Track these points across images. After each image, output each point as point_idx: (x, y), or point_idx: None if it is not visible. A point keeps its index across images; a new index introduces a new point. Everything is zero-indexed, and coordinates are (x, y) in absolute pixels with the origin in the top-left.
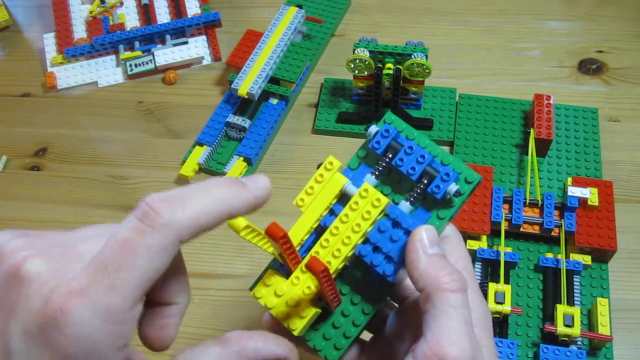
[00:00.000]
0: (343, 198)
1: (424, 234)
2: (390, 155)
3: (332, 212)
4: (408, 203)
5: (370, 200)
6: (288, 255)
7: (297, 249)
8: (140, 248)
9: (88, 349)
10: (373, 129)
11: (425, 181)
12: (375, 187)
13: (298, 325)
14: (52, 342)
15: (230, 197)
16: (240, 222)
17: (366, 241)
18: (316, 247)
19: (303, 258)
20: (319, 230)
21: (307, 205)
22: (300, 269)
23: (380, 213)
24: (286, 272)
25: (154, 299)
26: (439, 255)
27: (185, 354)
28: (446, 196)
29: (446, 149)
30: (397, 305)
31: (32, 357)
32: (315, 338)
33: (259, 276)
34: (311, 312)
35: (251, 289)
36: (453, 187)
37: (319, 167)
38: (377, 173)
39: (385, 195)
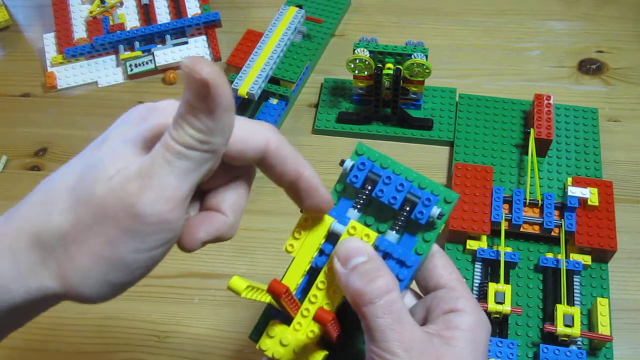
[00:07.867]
0: (331, 237)
1: (338, 252)
2: (370, 187)
3: (322, 252)
4: (394, 232)
5: (359, 237)
6: (289, 304)
7: (293, 292)
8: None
9: None
10: (348, 163)
11: (408, 208)
12: (359, 219)
13: None
14: None
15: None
16: (241, 284)
17: None
18: (313, 291)
19: (300, 301)
20: (311, 272)
21: (297, 249)
22: (301, 313)
23: None
24: (283, 317)
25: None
26: (353, 270)
27: None
28: (429, 220)
29: (446, 149)
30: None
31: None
32: None
33: (257, 322)
34: (320, 357)
35: (250, 336)
36: (436, 211)
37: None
38: (358, 206)
39: (369, 225)
